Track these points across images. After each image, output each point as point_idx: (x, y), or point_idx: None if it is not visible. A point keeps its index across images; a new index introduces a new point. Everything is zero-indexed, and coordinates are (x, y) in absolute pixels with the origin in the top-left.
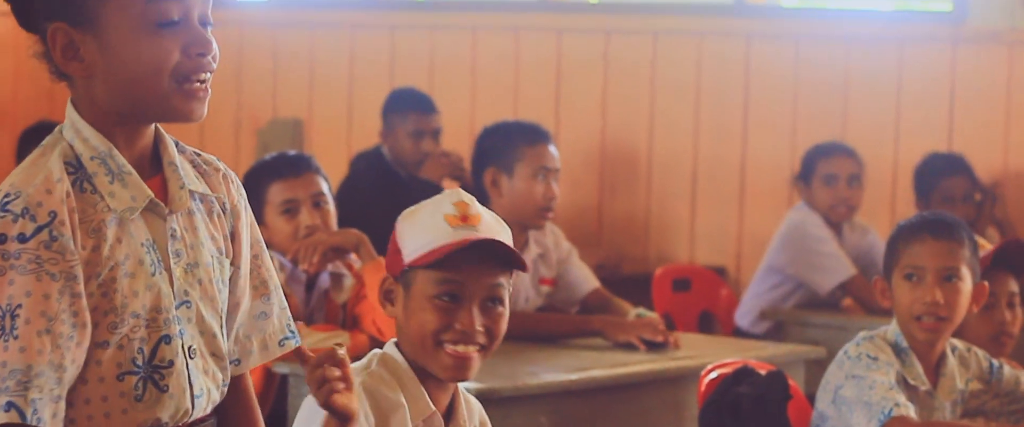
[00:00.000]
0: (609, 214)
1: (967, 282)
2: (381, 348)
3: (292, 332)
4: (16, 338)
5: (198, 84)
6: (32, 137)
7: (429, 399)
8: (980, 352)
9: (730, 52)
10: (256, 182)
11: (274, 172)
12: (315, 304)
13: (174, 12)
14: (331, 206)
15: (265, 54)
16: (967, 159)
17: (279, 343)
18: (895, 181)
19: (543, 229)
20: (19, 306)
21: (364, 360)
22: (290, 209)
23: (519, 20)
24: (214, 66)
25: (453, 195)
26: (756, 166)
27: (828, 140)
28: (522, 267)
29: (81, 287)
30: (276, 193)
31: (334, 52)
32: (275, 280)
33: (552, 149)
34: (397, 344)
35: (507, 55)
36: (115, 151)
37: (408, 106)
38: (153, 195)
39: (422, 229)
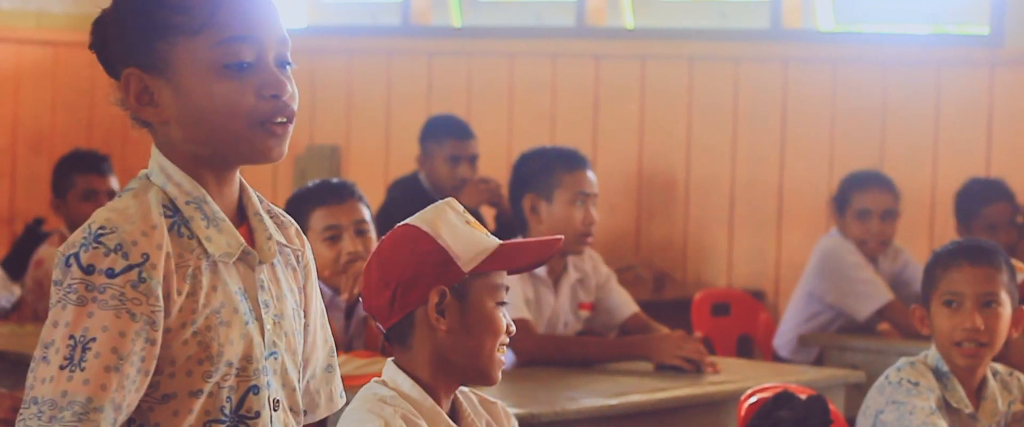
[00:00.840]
0: (647, 239)
1: (1007, 307)
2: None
3: (342, 391)
4: (82, 370)
5: (276, 123)
6: (67, 166)
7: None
8: (1022, 376)
9: (767, 76)
10: (299, 208)
11: (317, 199)
12: (355, 331)
13: (246, 54)
14: (373, 234)
15: (303, 81)
16: (1007, 184)
17: (340, 395)
18: (933, 205)
19: (582, 254)
20: (93, 339)
21: (371, 394)
22: (333, 236)
23: (556, 46)
24: (293, 107)
25: (453, 206)
26: (793, 190)
27: (865, 167)
28: (534, 263)
29: (157, 335)
30: (319, 219)
31: (371, 79)
32: (333, 338)
33: (590, 175)
34: (399, 365)
35: (544, 81)
36: (208, 197)
37: (445, 132)
38: (246, 243)
39: (464, 238)
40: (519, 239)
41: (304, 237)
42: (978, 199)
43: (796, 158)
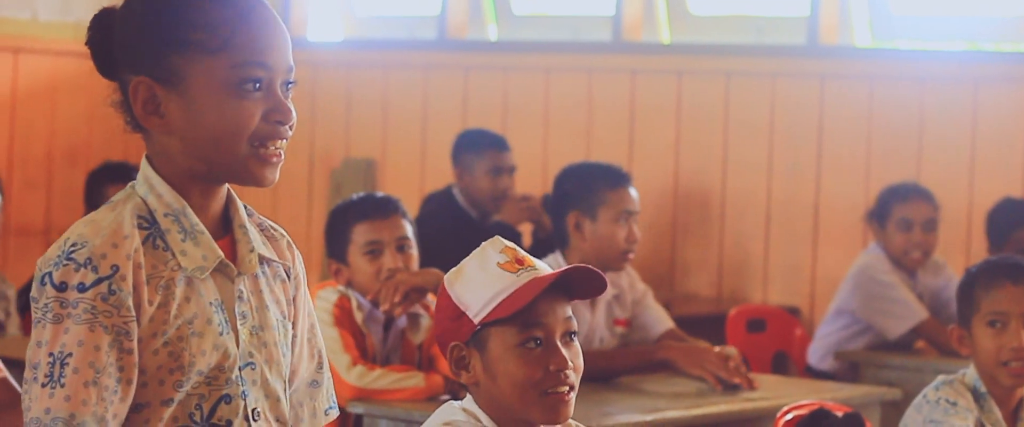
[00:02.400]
0: (682, 255)
1: None
2: (453, 396)
3: (333, 402)
4: (62, 386)
5: (273, 150)
6: (99, 178)
7: None
8: None
9: (804, 92)
10: (342, 221)
11: (360, 213)
12: (392, 345)
13: (260, 76)
14: (414, 251)
15: (339, 94)
16: None
17: (325, 412)
18: (970, 222)
19: (620, 271)
20: (70, 355)
21: (445, 417)
22: (374, 250)
23: (592, 61)
24: (290, 134)
25: (495, 245)
26: (830, 206)
27: (902, 181)
28: (603, 288)
29: (132, 344)
30: (361, 234)
31: (408, 93)
32: (326, 353)
33: (633, 192)
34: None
35: (580, 96)
36: (188, 209)
37: (484, 144)
38: (223, 256)
39: (481, 285)
40: (541, 275)
41: (295, 250)
42: (1010, 221)
43: (832, 174)
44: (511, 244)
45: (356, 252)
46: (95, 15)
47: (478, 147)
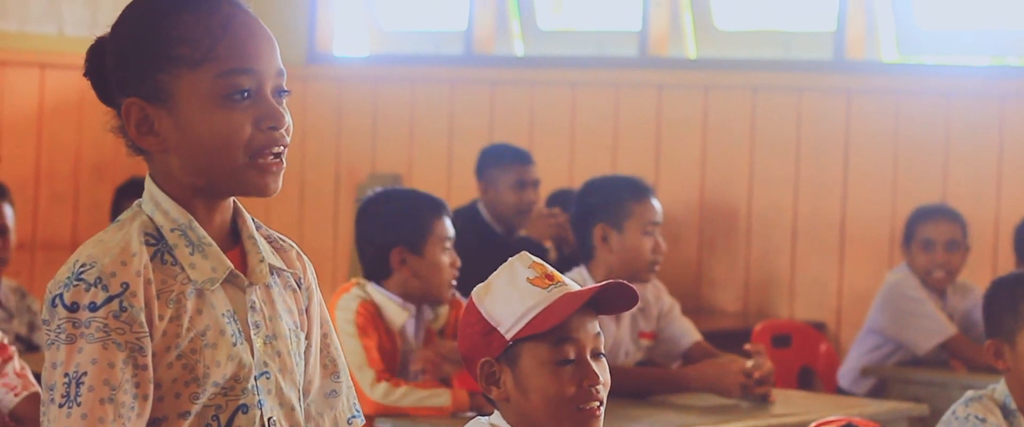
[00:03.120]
0: (708, 270)
1: None
2: (479, 412)
3: (357, 411)
4: (79, 405)
5: (272, 158)
6: (126, 193)
7: None
8: None
9: (830, 107)
10: (424, 212)
11: (444, 210)
12: (421, 336)
13: (246, 84)
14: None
15: (365, 109)
16: None
17: (347, 421)
18: (997, 238)
19: (647, 283)
20: (84, 373)
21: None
22: (450, 246)
23: (618, 76)
24: (287, 139)
25: (522, 260)
26: (856, 222)
27: (928, 198)
28: (634, 304)
29: (146, 360)
30: (442, 229)
31: (434, 108)
32: (343, 361)
33: (656, 203)
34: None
35: (606, 111)
36: (195, 223)
37: (509, 158)
38: (233, 266)
39: (512, 301)
40: (572, 290)
41: (305, 260)
42: None
43: (858, 189)
44: (538, 259)
45: (437, 246)
46: (90, 46)
47: (502, 161)
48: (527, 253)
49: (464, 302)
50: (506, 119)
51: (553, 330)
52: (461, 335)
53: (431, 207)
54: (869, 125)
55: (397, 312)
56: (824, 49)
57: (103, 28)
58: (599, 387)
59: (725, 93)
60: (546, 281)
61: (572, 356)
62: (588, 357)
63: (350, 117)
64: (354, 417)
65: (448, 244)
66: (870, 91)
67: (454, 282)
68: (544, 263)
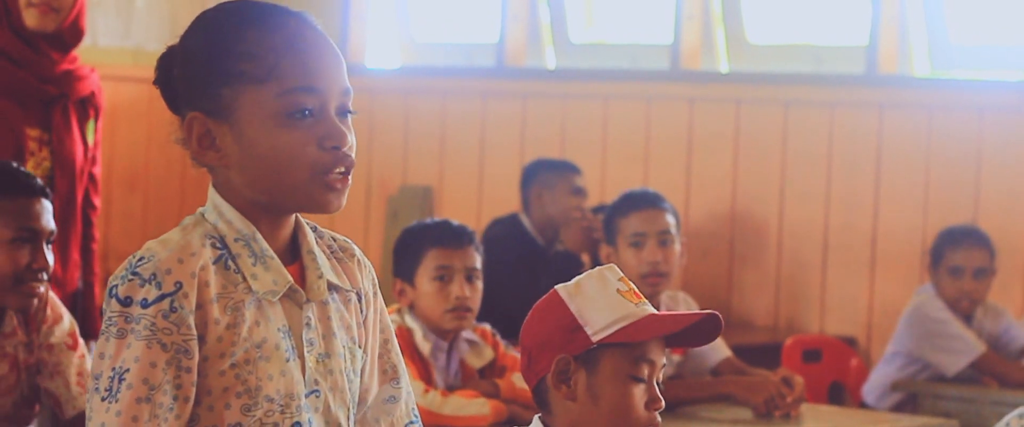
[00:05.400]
0: (739, 283)
1: None
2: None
3: (416, 417)
4: (116, 401)
5: (336, 175)
6: None
7: None
8: None
9: (861, 122)
10: (416, 242)
11: (436, 238)
12: (455, 371)
13: (309, 103)
14: (481, 283)
15: (396, 121)
16: None
17: (405, 426)
18: None
19: (673, 296)
20: (127, 370)
21: None
22: (442, 275)
23: (650, 89)
24: (352, 158)
25: (612, 271)
26: (887, 236)
27: (960, 214)
28: (714, 338)
29: (191, 362)
30: (434, 258)
31: (465, 120)
32: (404, 367)
33: (651, 213)
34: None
35: (638, 124)
36: (258, 235)
37: (559, 167)
38: (293, 281)
39: (605, 306)
40: (675, 312)
41: (366, 265)
42: None
43: (890, 204)
44: (624, 275)
45: (425, 275)
46: (161, 55)
47: (556, 169)
48: (615, 266)
49: (503, 344)
50: (538, 132)
51: (636, 345)
52: (534, 328)
53: (428, 237)
54: (901, 140)
55: (421, 341)
56: (856, 63)
57: (136, 38)
58: (658, 415)
59: (757, 107)
60: (635, 297)
61: (645, 375)
62: (654, 380)
63: (382, 129)
64: (412, 423)
65: (444, 274)
66: (902, 106)
67: (469, 311)
68: (629, 281)
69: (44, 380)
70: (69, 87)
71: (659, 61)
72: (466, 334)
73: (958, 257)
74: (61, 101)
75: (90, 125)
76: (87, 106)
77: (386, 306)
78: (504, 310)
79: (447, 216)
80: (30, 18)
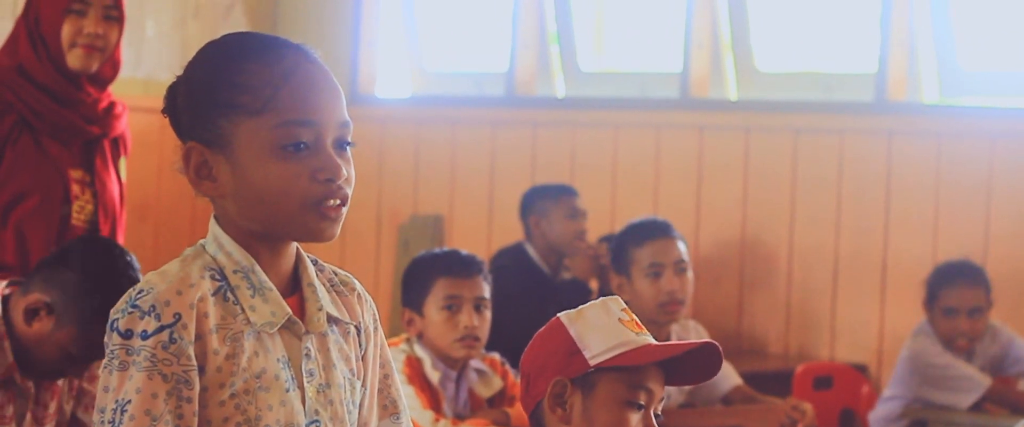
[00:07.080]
0: (749, 311)
1: None
2: None
3: None
4: None
5: (331, 204)
6: None
7: None
8: None
9: (871, 149)
10: (425, 272)
11: (445, 267)
12: (465, 400)
13: (303, 136)
14: (489, 312)
15: (407, 150)
16: None
17: None
18: None
19: (683, 324)
20: (129, 402)
21: None
22: (452, 305)
23: (660, 118)
24: (347, 191)
25: (616, 302)
26: (897, 264)
27: (970, 242)
28: (714, 373)
29: (192, 393)
30: (442, 287)
31: (475, 149)
32: (404, 403)
33: (666, 243)
34: None
35: (648, 152)
36: (257, 267)
37: (555, 191)
38: (292, 313)
39: (603, 331)
40: (674, 341)
41: (366, 300)
42: None
43: (900, 232)
44: (627, 307)
45: (434, 304)
46: (169, 85)
47: (552, 194)
48: (619, 297)
49: (513, 373)
50: (548, 160)
51: (634, 372)
52: (534, 352)
53: (436, 267)
54: (911, 167)
55: (430, 370)
56: (866, 91)
57: (147, 68)
58: None
59: (766, 135)
60: (637, 327)
61: (642, 403)
62: (652, 411)
63: (392, 158)
64: None
65: (452, 303)
66: (912, 133)
67: (477, 340)
68: (632, 312)
69: (82, 411)
70: (108, 126)
71: (668, 89)
72: (475, 363)
73: (952, 298)
74: (100, 140)
75: (122, 162)
76: (119, 144)
77: (396, 336)
78: (511, 339)
79: (457, 245)
80: (74, 59)
